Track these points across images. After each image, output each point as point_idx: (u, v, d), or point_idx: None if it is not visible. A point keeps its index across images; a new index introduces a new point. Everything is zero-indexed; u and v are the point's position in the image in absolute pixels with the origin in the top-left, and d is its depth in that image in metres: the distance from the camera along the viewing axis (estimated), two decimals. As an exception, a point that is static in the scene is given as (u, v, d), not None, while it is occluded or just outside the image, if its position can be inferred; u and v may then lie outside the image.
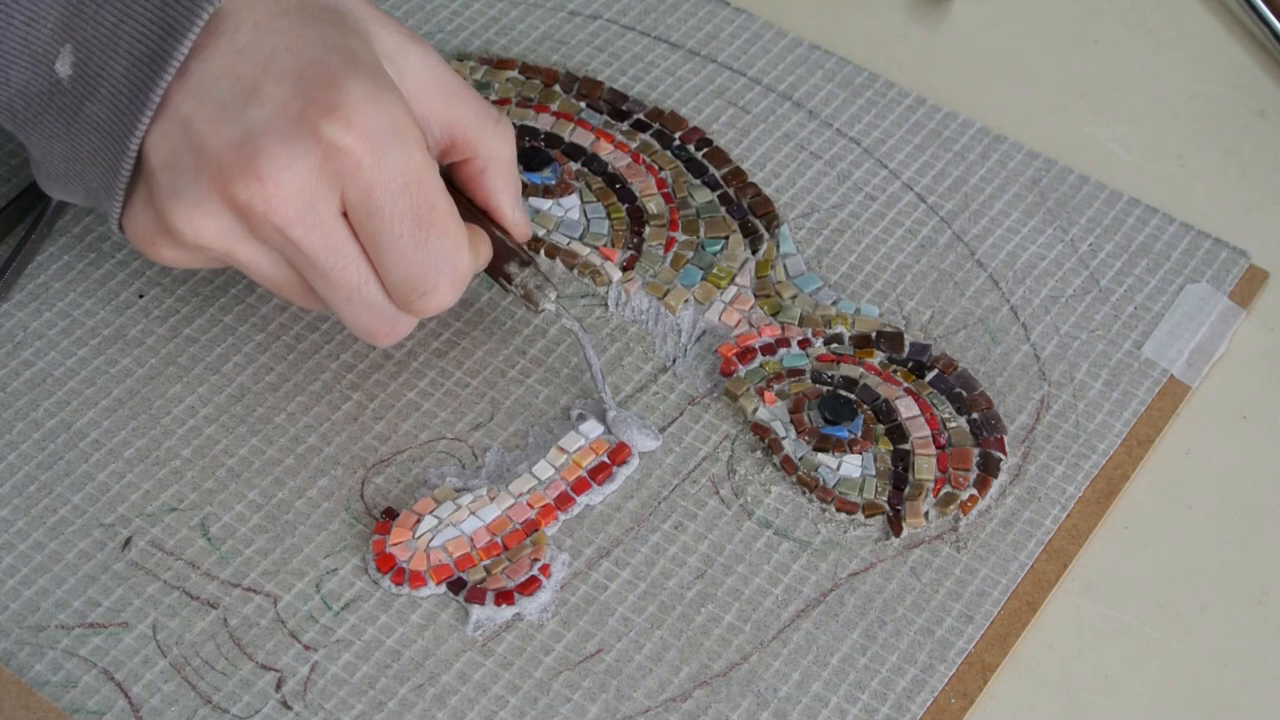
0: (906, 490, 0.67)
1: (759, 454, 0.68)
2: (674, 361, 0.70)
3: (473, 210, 0.65)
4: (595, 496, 0.66)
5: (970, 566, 0.65)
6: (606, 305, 0.72)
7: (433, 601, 0.63)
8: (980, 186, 0.77)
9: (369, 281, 0.61)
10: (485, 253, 0.64)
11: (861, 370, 0.70)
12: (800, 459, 0.67)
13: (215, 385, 0.68)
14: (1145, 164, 0.79)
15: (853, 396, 0.69)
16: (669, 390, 0.69)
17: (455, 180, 0.66)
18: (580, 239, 0.73)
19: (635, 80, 0.80)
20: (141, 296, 0.64)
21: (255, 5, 0.60)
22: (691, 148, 0.77)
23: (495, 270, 0.66)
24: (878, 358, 0.70)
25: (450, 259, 0.61)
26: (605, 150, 0.76)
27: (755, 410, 0.68)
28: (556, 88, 0.78)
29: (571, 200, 0.74)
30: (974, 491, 0.67)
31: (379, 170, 0.59)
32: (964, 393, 0.69)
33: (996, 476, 0.67)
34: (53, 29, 0.60)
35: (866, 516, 0.66)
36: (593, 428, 0.67)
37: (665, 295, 0.72)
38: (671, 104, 0.79)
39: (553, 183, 0.75)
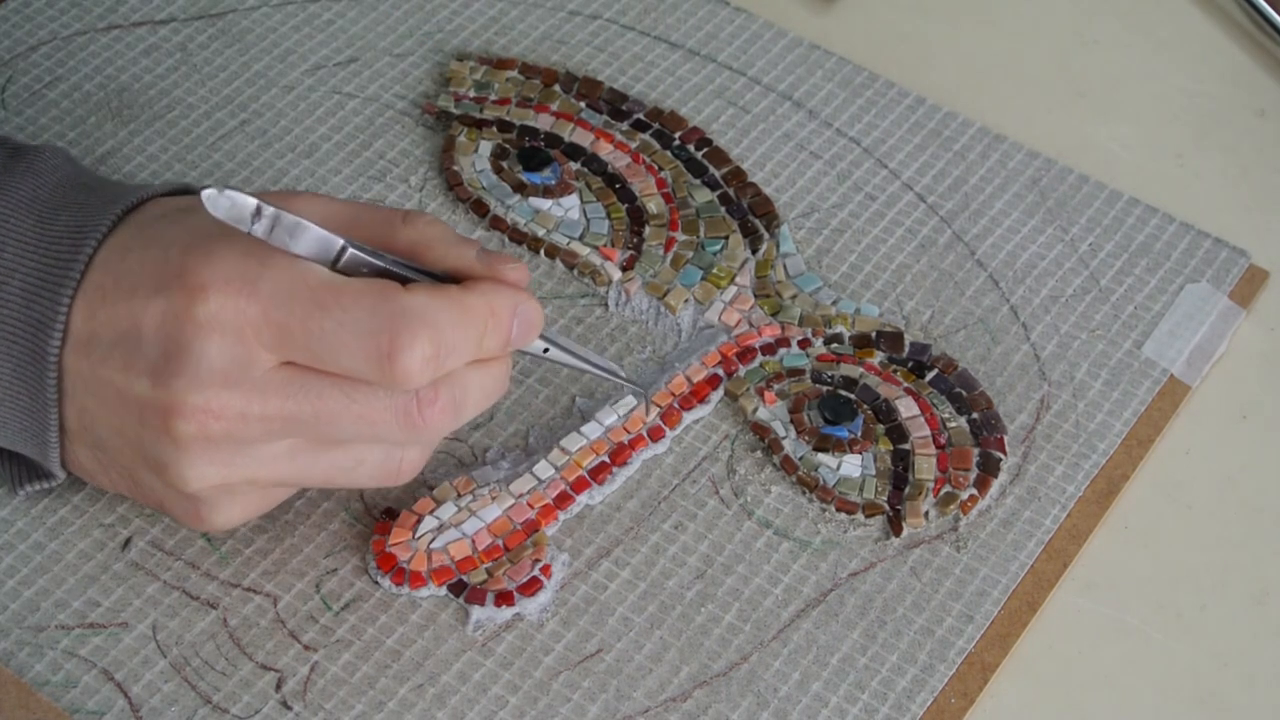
0: (906, 490, 0.67)
1: (759, 454, 0.68)
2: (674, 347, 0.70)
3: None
4: (595, 496, 0.66)
5: (970, 566, 0.65)
6: (606, 305, 0.72)
7: (433, 601, 0.63)
8: (980, 186, 0.77)
9: (355, 392, 0.58)
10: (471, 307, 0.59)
11: (861, 370, 0.70)
12: (800, 459, 0.67)
13: (215, 385, 0.68)
14: (1145, 164, 0.79)
15: (853, 396, 0.69)
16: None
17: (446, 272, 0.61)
18: (580, 239, 0.73)
19: (635, 80, 0.80)
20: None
21: (100, 263, 0.59)
22: (691, 148, 0.77)
23: None
24: (878, 358, 0.70)
25: (379, 314, 0.56)
26: (605, 150, 0.76)
27: (755, 410, 0.68)
28: (556, 88, 0.78)
29: (571, 200, 0.74)
30: (974, 491, 0.67)
31: (258, 298, 0.56)
32: (964, 393, 0.69)
33: (996, 476, 0.67)
34: None
35: (866, 516, 0.66)
36: (593, 428, 0.67)
37: (665, 295, 0.72)
38: (671, 104, 0.79)
39: (553, 183, 0.75)
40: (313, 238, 0.57)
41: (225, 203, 0.55)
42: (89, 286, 0.59)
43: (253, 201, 0.56)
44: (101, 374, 0.58)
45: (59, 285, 0.59)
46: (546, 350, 0.62)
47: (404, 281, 0.58)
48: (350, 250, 0.57)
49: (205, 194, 0.55)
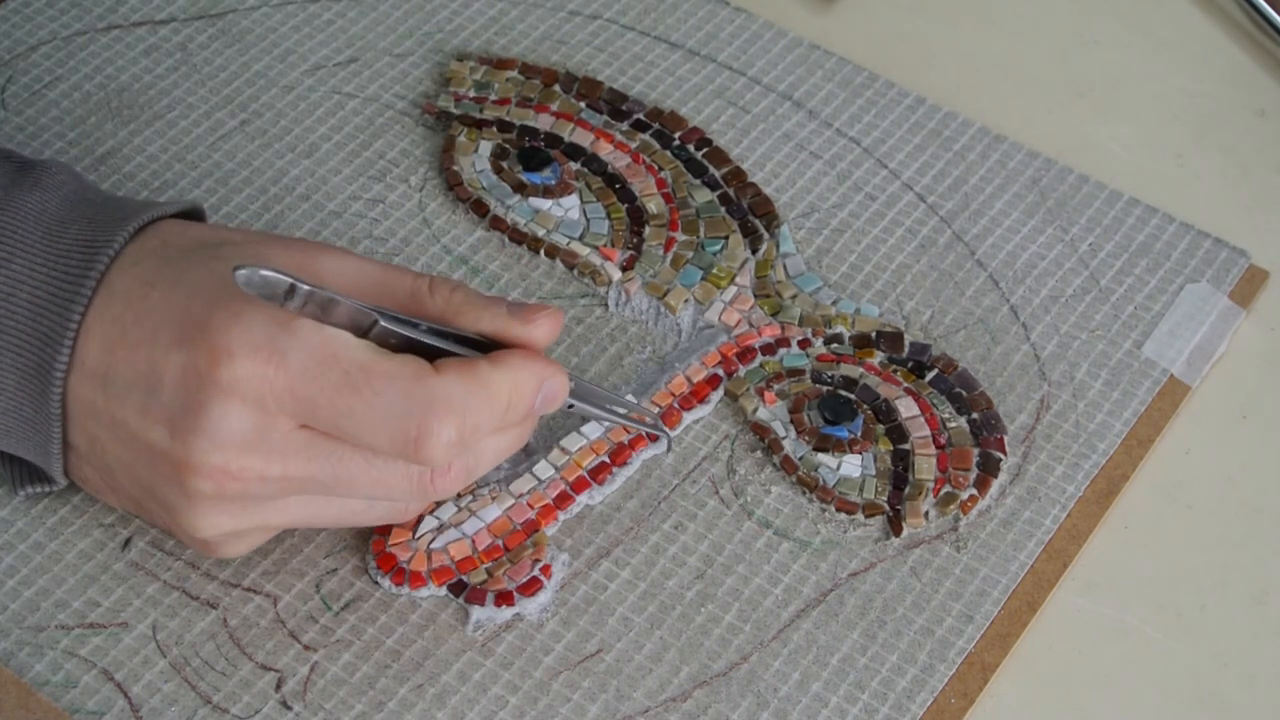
0: (906, 490, 0.67)
1: (759, 454, 0.68)
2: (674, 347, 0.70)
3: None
4: (595, 496, 0.66)
5: (970, 566, 0.65)
6: (606, 305, 0.72)
7: (432, 601, 0.63)
8: (980, 186, 0.77)
9: (375, 459, 0.58)
10: (517, 373, 0.59)
11: (861, 370, 0.70)
12: (800, 459, 0.67)
13: (215, 385, 0.68)
14: (1145, 164, 0.79)
15: (853, 396, 0.69)
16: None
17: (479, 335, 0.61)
18: (580, 239, 0.73)
19: (635, 80, 0.80)
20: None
21: (120, 293, 0.59)
22: (691, 148, 0.77)
23: None
24: (878, 358, 0.70)
25: (412, 398, 0.56)
26: (605, 150, 0.76)
27: (755, 410, 0.68)
28: (556, 88, 0.78)
29: (571, 200, 0.74)
30: (974, 491, 0.67)
31: (286, 370, 0.56)
32: (964, 393, 0.69)
33: (996, 476, 0.67)
34: None
35: (866, 516, 0.66)
36: (593, 428, 0.67)
37: (665, 295, 0.72)
38: (671, 104, 0.79)
39: (553, 183, 0.75)
40: (346, 311, 0.57)
41: (258, 281, 0.55)
42: (107, 317, 0.59)
43: (286, 281, 0.55)
44: (117, 413, 0.58)
45: (69, 301, 0.59)
46: (571, 406, 0.62)
47: (432, 353, 0.58)
48: (382, 323, 0.57)
49: (239, 274, 0.54)
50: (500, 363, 0.58)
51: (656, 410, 0.68)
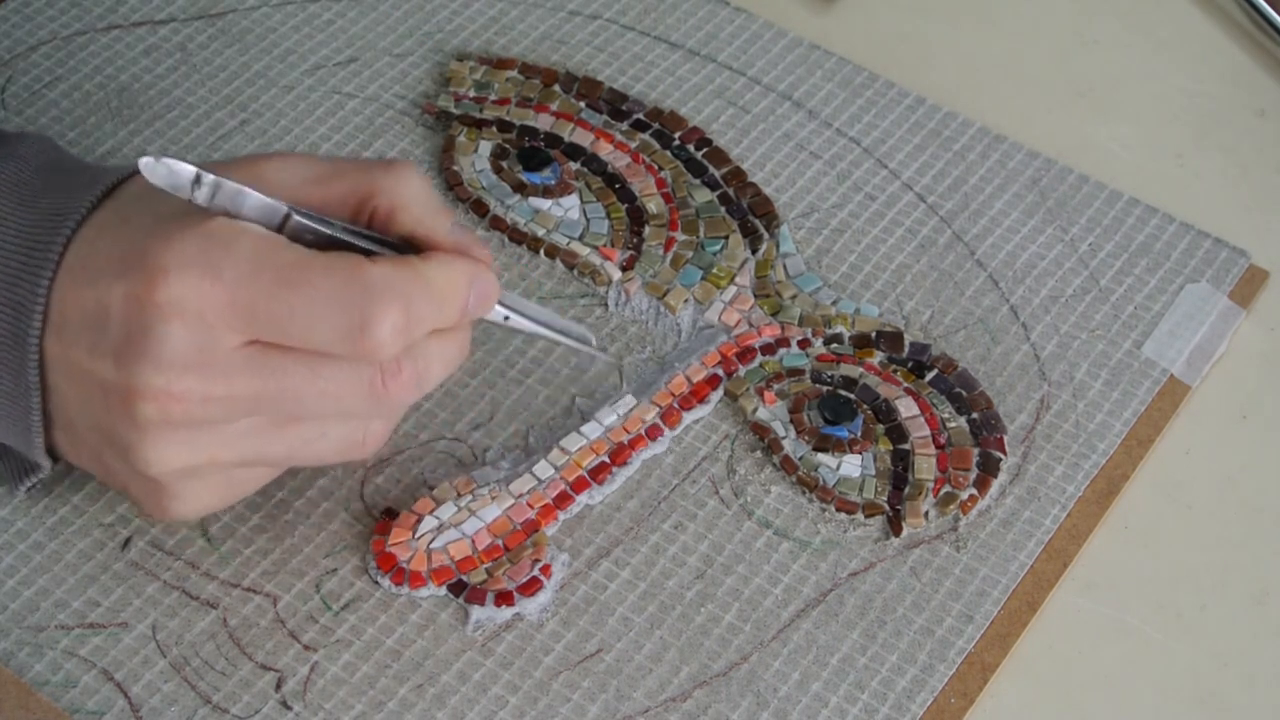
0: (906, 490, 0.67)
1: (759, 454, 0.68)
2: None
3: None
4: (595, 496, 0.66)
5: (970, 566, 0.65)
6: (606, 305, 0.72)
7: (432, 601, 0.63)
8: (980, 186, 0.77)
9: (320, 367, 0.58)
10: (449, 274, 0.59)
11: (861, 370, 0.70)
12: (800, 459, 0.67)
13: (215, 385, 0.68)
14: (1145, 164, 0.79)
15: (853, 396, 0.69)
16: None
17: (399, 239, 0.61)
18: (580, 239, 0.73)
19: (635, 80, 0.80)
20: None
21: (75, 250, 0.59)
22: (691, 148, 0.77)
23: None
24: (878, 357, 0.70)
25: (352, 287, 0.56)
26: (605, 150, 0.76)
27: (755, 410, 0.68)
28: (556, 88, 0.78)
29: (571, 200, 0.74)
30: (974, 491, 0.67)
31: (220, 282, 0.56)
32: (964, 392, 0.69)
33: (996, 476, 0.67)
34: None
35: (866, 516, 0.66)
36: (593, 428, 0.67)
37: (665, 295, 0.72)
38: (671, 104, 0.79)
39: (553, 183, 0.75)
40: (256, 204, 0.56)
41: (163, 171, 0.54)
42: (63, 270, 0.59)
43: (190, 169, 0.54)
44: (71, 356, 0.58)
45: (39, 267, 0.59)
46: (507, 318, 0.61)
47: (356, 250, 0.57)
48: (295, 217, 0.56)
49: (142, 162, 0.54)
50: (429, 258, 0.58)
51: (656, 410, 0.68)
